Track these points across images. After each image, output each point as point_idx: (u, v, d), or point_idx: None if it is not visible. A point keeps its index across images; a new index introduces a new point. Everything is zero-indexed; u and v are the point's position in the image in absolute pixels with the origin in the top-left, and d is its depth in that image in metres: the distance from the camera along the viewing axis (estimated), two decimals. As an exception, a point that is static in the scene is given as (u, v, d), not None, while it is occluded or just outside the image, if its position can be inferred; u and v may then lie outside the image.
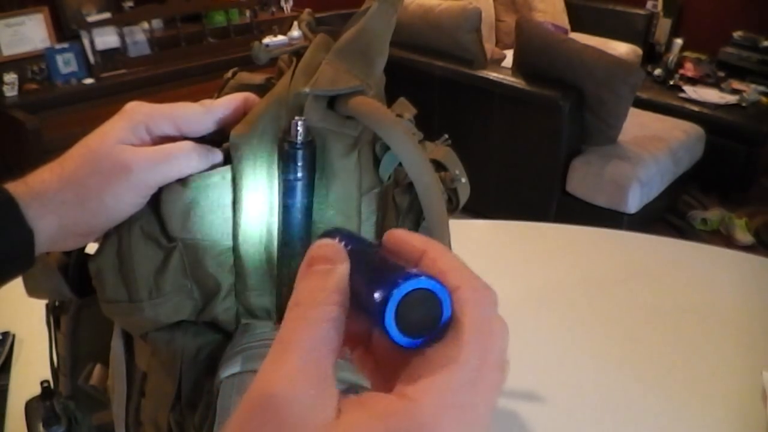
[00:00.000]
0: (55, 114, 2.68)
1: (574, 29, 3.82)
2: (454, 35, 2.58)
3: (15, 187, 0.39)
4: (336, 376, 0.23)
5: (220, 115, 0.43)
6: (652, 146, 2.47)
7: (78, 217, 0.40)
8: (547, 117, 2.39)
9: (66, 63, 2.84)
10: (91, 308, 0.49)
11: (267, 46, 0.44)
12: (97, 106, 2.74)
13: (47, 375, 0.59)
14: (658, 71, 3.34)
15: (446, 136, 0.56)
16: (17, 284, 0.46)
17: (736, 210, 2.87)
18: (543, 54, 2.43)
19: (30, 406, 0.67)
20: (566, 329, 0.91)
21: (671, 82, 3.27)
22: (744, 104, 3.02)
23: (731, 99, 3.07)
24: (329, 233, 0.29)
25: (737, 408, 0.78)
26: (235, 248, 0.43)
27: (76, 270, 0.48)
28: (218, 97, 0.45)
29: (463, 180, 0.53)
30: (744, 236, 2.70)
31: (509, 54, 3.04)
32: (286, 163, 0.39)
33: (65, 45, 2.84)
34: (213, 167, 0.42)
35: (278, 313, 0.44)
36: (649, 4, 3.96)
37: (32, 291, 0.49)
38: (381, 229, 0.46)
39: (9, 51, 2.76)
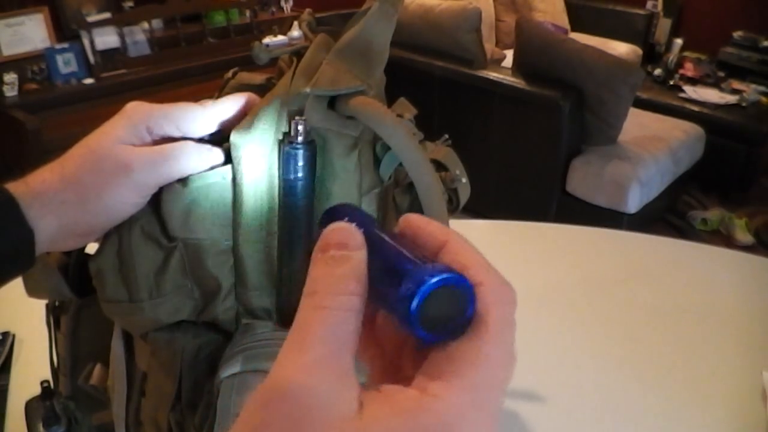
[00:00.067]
0: (55, 114, 2.68)
1: (574, 29, 3.82)
2: (454, 35, 2.58)
3: (15, 187, 0.39)
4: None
5: (221, 115, 0.43)
6: (652, 146, 2.47)
7: (78, 217, 0.40)
8: (547, 117, 2.39)
9: (66, 63, 2.84)
10: (91, 308, 0.49)
11: (267, 46, 0.44)
12: (97, 106, 2.73)
13: (47, 375, 0.59)
14: (658, 71, 3.34)
15: (446, 136, 0.56)
16: (17, 284, 0.46)
17: (736, 210, 2.87)
18: (543, 54, 2.43)
19: (30, 406, 0.67)
20: (566, 329, 0.91)
21: (671, 82, 3.27)
22: (744, 104, 3.02)
23: (731, 99, 3.07)
24: (336, 210, 0.27)
25: (737, 408, 0.78)
26: (235, 248, 0.43)
27: (76, 270, 0.48)
28: (218, 97, 0.45)
29: (464, 180, 0.53)
30: (744, 236, 2.70)
31: (509, 54, 3.04)
32: (286, 163, 0.39)
33: (65, 45, 2.84)
34: (213, 167, 0.42)
35: (278, 313, 0.44)
36: (649, 4, 3.96)
37: (32, 291, 0.49)
38: (381, 229, 0.46)
39: (9, 51, 2.76)
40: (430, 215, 0.40)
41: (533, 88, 2.41)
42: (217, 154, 0.42)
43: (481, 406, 0.22)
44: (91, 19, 2.92)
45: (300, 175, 0.39)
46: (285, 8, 3.68)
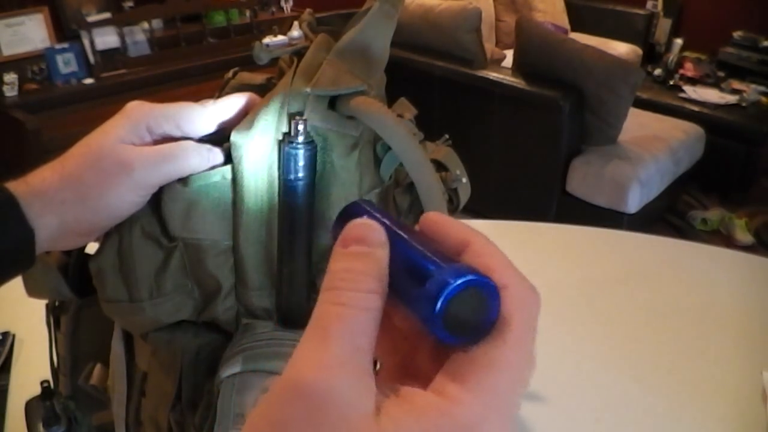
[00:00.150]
0: (55, 114, 2.68)
1: (574, 29, 3.82)
2: (454, 35, 2.58)
3: (15, 186, 0.39)
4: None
5: (221, 114, 0.43)
6: (652, 146, 2.47)
7: (79, 216, 0.40)
8: (547, 117, 2.39)
9: (66, 63, 2.84)
10: (91, 308, 0.49)
11: (267, 46, 0.44)
12: (97, 106, 2.73)
13: (47, 375, 0.59)
14: (658, 71, 3.34)
15: (447, 136, 0.56)
16: (17, 284, 0.46)
17: (736, 210, 2.87)
18: (543, 54, 2.43)
19: (30, 406, 0.67)
20: (566, 329, 0.91)
21: (671, 82, 3.27)
22: (744, 104, 3.02)
23: (731, 99, 3.07)
24: (355, 207, 0.27)
25: (737, 408, 0.78)
26: (235, 248, 0.43)
27: (76, 270, 0.48)
28: (219, 97, 0.45)
29: (464, 180, 0.53)
30: (744, 236, 2.70)
31: (509, 54, 3.04)
32: (286, 163, 0.39)
33: (65, 45, 2.84)
34: (214, 167, 0.42)
35: (278, 313, 0.44)
36: (649, 4, 3.96)
37: (32, 291, 0.49)
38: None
39: (9, 51, 2.76)
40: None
41: (533, 88, 2.41)
42: (217, 153, 0.42)
43: (499, 410, 0.22)
44: (91, 19, 2.92)
45: (300, 175, 0.39)
46: (285, 8, 3.68)
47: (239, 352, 0.42)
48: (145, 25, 3.05)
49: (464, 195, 0.54)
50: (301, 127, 0.39)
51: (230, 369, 0.41)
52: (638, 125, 2.57)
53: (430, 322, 0.22)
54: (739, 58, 3.44)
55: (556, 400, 0.78)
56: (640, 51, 3.71)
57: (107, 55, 2.94)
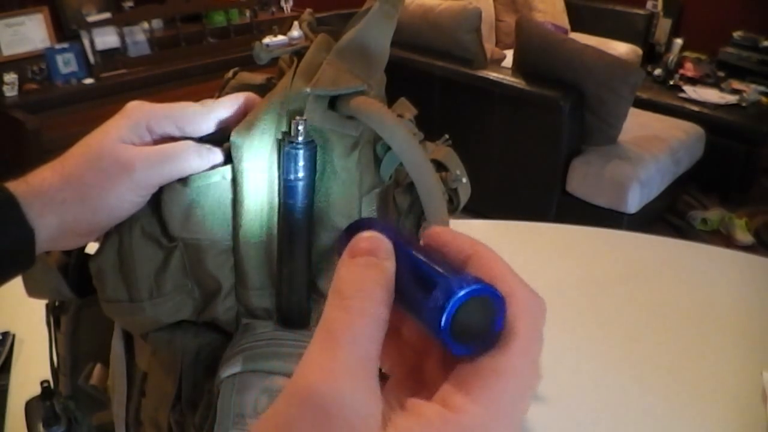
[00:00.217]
0: (55, 114, 2.68)
1: (574, 29, 3.82)
2: (454, 35, 2.58)
3: (15, 186, 0.39)
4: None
5: (221, 114, 0.43)
6: (652, 146, 2.47)
7: (79, 216, 0.40)
8: (547, 117, 2.39)
9: (66, 63, 2.84)
10: (91, 308, 0.49)
11: (267, 46, 0.44)
12: (97, 106, 2.73)
13: (47, 375, 0.59)
14: (658, 71, 3.34)
15: (447, 136, 0.56)
16: (17, 284, 0.46)
17: (736, 210, 2.87)
18: (543, 54, 2.43)
19: (30, 406, 0.67)
20: (566, 329, 0.91)
21: (671, 82, 3.27)
22: (744, 104, 3.02)
23: (731, 99, 3.07)
24: (362, 223, 0.27)
25: (737, 408, 0.78)
26: (235, 248, 0.43)
27: (76, 270, 0.48)
28: (219, 97, 0.45)
29: (464, 180, 0.53)
30: (744, 236, 2.70)
31: (509, 54, 3.04)
32: (286, 163, 0.39)
33: (65, 45, 2.84)
34: (214, 167, 0.42)
35: (278, 313, 0.44)
36: (649, 4, 3.96)
37: (32, 291, 0.49)
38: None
39: (9, 51, 2.76)
40: (430, 216, 0.40)
41: (533, 88, 2.41)
42: (217, 154, 0.42)
43: (504, 419, 0.22)
44: (91, 19, 2.92)
45: (300, 175, 0.39)
46: (285, 8, 3.68)
47: (239, 352, 0.42)
48: (145, 25, 3.05)
49: (464, 195, 0.54)
50: (300, 127, 0.39)
51: (230, 369, 0.41)
52: (638, 125, 2.57)
53: (438, 332, 0.22)
54: (739, 58, 3.44)
55: (556, 400, 0.78)
56: (640, 51, 3.71)
57: (107, 55, 2.94)
